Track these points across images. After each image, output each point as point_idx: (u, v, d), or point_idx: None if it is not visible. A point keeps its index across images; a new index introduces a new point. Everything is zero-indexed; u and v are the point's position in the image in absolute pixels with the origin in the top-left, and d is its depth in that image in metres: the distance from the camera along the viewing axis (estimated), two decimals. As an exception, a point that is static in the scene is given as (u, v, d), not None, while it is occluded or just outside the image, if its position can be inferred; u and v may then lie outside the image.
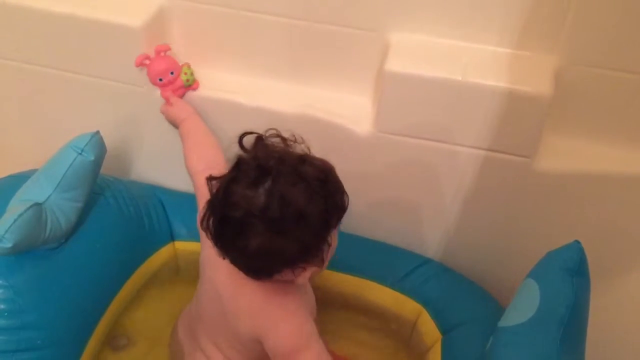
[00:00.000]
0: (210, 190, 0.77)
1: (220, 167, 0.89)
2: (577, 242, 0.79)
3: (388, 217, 1.09)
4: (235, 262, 0.78)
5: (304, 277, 0.78)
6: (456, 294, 1.01)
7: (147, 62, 1.00)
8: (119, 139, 1.10)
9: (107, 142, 0.94)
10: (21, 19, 1.02)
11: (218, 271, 0.84)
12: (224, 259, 0.78)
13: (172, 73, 1.01)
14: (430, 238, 1.09)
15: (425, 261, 1.06)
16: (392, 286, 1.02)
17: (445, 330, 0.96)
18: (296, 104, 1.01)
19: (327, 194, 0.74)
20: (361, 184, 1.05)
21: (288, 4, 0.96)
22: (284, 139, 0.79)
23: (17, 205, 0.84)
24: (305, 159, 0.76)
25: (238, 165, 0.75)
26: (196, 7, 1.01)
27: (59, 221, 0.87)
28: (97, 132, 0.92)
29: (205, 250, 0.86)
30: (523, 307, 0.78)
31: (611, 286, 1.02)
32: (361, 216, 1.09)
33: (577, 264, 0.77)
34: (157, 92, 1.04)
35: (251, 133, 0.79)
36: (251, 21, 1.00)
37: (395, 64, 0.92)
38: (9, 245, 0.79)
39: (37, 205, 0.84)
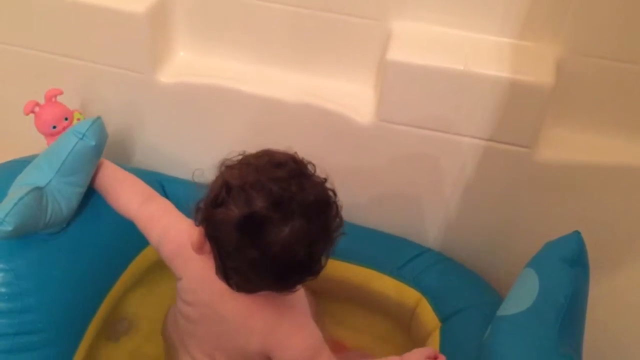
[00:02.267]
0: (222, 263, 0.73)
1: (154, 195, 0.90)
2: (577, 232, 0.79)
3: (388, 206, 1.09)
4: (264, 288, 0.75)
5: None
6: (455, 283, 1.01)
7: (37, 109, 0.96)
8: (121, 125, 1.11)
9: (109, 128, 0.94)
10: (24, 5, 1.02)
11: (216, 294, 0.80)
12: (251, 292, 0.76)
13: (65, 119, 0.98)
14: (430, 227, 1.09)
15: (425, 250, 1.06)
16: (392, 274, 1.03)
17: (444, 318, 0.97)
18: (298, 92, 1.01)
19: (333, 201, 0.74)
20: (362, 173, 1.06)
21: (291, -8, 0.96)
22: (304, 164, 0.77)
23: (18, 189, 0.84)
24: (318, 184, 0.74)
25: (251, 221, 0.69)
26: (199, -6, 1.01)
27: (59, 205, 0.87)
28: (98, 118, 0.92)
29: (195, 271, 0.81)
30: (522, 296, 0.78)
31: (611, 276, 1.02)
32: (361, 205, 1.09)
33: (577, 254, 0.78)
34: (160, 78, 1.04)
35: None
36: (254, 9, 1.00)
37: (397, 53, 0.92)
38: (10, 228, 0.79)
39: (38, 189, 0.84)
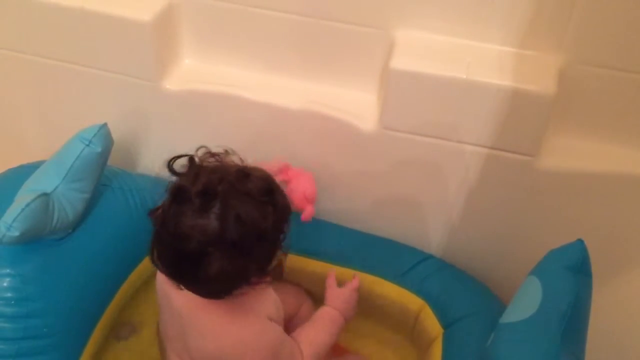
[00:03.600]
0: (154, 224, 0.74)
1: None
2: (581, 240, 0.79)
3: (391, 213, 1.09)
4: (195, 290, 0.76)
5: (261, 286, 0.77)
6: (458, 290, 1.01)
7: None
8: (127, 131, 1.11)
9: (115, 134, 0.95)
10: (31, 12, 1.03)
11: (174, 289, 0.81)
12: (180, 289, 0.76)
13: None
14: (433, 234, 1.09)
15: (428, 257, 1.07)
16: (395, 281, 1.03)
17: (447, 324, 0.97)
18: (301, 100, 1.02)
19: (275, 202, 0.74)
20: (365, 180, 1.06)
21: (295, 1, 0.97)
22: (214, 155, 0.77)
23: (25, 195, 0.85)
24: (245, 173, 0.74)
25: (177, 195, 0.71)
26: (204, 3, 1.01)
27: (66, 211, 0.87)
28: (105, 124, 0.93)
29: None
30: (525, 304, 0.78)
31: (614, 285, 1.02)
32: (364, 212, 1.09)
33: (580, 262, 0.78)
34: (165, 86, 1.05)
35: (181, 156, 0.76)
36: (258, 17, 1.00)
37: (400, 62, 0.92)
38: (17, 234, 0.80)
39: (45, 195, 0.85)
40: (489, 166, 0.97)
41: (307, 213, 0.93)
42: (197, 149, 0.77)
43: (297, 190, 0.92)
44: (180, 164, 0.76)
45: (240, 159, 0.78)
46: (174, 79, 1.06)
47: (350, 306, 0.94)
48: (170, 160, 0.76)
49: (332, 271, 1.00)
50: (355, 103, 1.02)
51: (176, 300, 0.82)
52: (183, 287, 0.76)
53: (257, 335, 0.81)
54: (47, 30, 1.05)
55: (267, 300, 0.85)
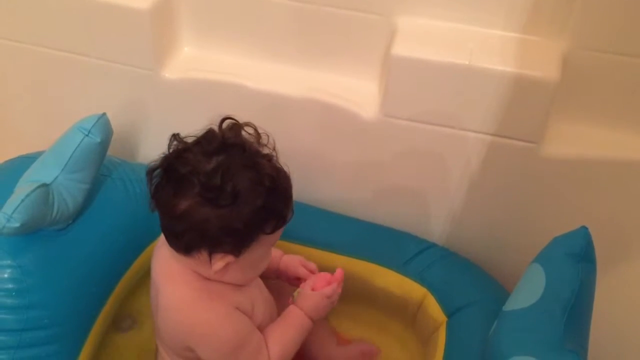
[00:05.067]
0: (169, 146, 0.78)
1: None
2: (584, 227, 0.79)
3: (393, 202, 1.09)
4: (162, 219, 0.79)
5: (219, 266, 0.77)
6: (461, 278, 1.01)
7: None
8: (126, 121, 1.11)
9: (115, 124, 0.95)
10: (28, 1, 1.03)
11: (157, 261, 0.85)
12: (152, 211, 0.79)
13: None
14: (436, 222, 1.09)
15: (430, 245, 1.06)
16: (398, 270, 1.03)
17: (450, 313, 0.97)
18: (302, 88, 1.01)
19: (272, 192, 0.75)
20: (367, 168, 1.06)
21: (295, -13, 0.96)
22: (257, 136, 0.80)
23: (24, 186, 0.84)
24: (267, 157, 0.78)
25: (205, 134, 0.78)
26: (203, -10, 1.01)
27: (66, 202, 0.87)
28: (104, 114, 0.92)
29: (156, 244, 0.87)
30: (528, 291, 0.78)
31: (618, 272, 1.02)
32: (366, 200, 1.09)
33: (584, 250, 0.77)
34: (165, 74, 1.04)
35: (232, 119, 0.80)
36: (258, 4, 0.99)
37: (401, 48, 0.92)
38: (17, 225, 0.80)
39: (45, 185, 0.84)
40: (491, 153, 0.97)
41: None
42: (245, 123, 0.80)
43: (307, 285, 0.91)
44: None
45: (275, 152, 0.80)
46: (174, 67, 1.05)
47: (321, 312, 0.90)
48: (224, 118, 0.80)
49: (312, 267, 0.96)
50: (356, 90, 1.02)
51: (155, 271, 0.85)
52: (155, 210, 0.79)
53: (220, 320, 0.81)
54: (45, 19, 1.04)
55: (242, 294, 0.85)
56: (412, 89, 0.94)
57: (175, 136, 0.79)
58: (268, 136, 0.80)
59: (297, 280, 0.94)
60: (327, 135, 1.04)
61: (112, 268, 0.96)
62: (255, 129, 0.80)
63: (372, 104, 0.99)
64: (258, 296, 0.88)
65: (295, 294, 0.91)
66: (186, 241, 0.77)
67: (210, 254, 0.76)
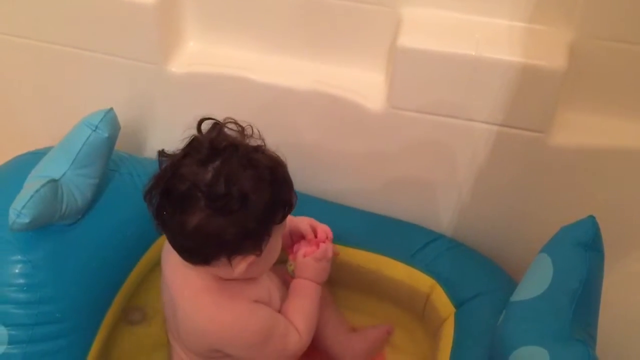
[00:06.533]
0: (160, 164, 0.77)
1: None
2: (592, 217, 0.79)
3: (400, 193, 1.09)
4: (172, 240, 0.77)
5: (242, 268, 0.77)
6: (469, 269, 1.01)
7: None
8: (133, 116, 1.11)
9: (121, 119, 0.95)
10: (33, -3, 1.03)
11: (168, 267, 0.84)
12: (161, 234, 0.77)
13: None
14: (443, 213, 1.09)
15: (438, 236, 1.06)
16: (406, 261, 1.03)
17: (459, 304, 0.97)
18: (308, 80, 1.01)
19: (275, 183, 0.75)
20: (374, 160, 1.06)
21: (300, -21, 0.96)
22: (241, 129, 0.78)
23: (33, 182, 0.85)
24: (259, 149, 0.76)
25: (191, 144, 0.75)
26: (208, -16, 1.01)
27: (74, 197, 0.88)
28: (111, 109, 0.93)
29: (163, 249, 0.87)
30: (536, 281, 0.78)
31: (626, 261, 1.01)
32: (373, 192, 1.09)
33: (592, 239, 0.77)
34: (170, 69, 1.04)
35: (210, 119, 0.78)
36: (263, -3, 0.99)
37: (407, 40, 0.91)
38: (27, 220, 0.80)
39: (53, 181, 0.85)
40: (499, 143, 0.96)
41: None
42: (225, 119, 0.79)
43: (299, 255, 0.92)
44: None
45: (263, 141, 0.79)
46: (179, 61, 1.05)
47: (323, 274, 0.92)
48: (201, 120, 0.78)
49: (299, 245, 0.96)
50: (362, 82, 1.01)
51: (168, 278, 0.84)
52: (164, 232, 0.77)
53: (245, 317, 0.81)
54: (50, 15, 1.04)
55: (258, 285, 0.85)
56: (419, 80, 0.94)
57: (161, 153, 0.77)
58: (251, 127, 0.79)
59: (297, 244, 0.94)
60: (334, 127, 1.04)
61: (121, 262, 0.96)
62: (236, 122, 0.79)
63: (379, 96, 0.99)
64: (270, 284, 0.89)
65: (290, 267, 0.93)
66: (204, 254, 0.76)
67: (230, 259, 0.76)
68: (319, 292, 0.91)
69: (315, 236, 0.93)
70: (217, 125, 0.77)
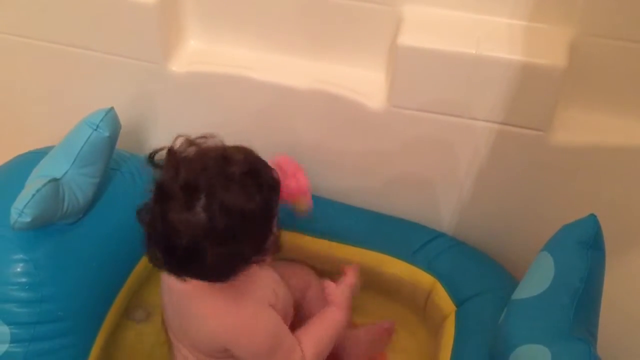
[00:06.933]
0: (141, 223, 0.74)
1: None
2: (593, 215, 0.79)
3: (401, 192, 1.09)
4: (198, 279, 0.76)
5: (260, 266, 0.78)
6: (470, 267, 1.01)
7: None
8: (134, 115, 1.11)
9: (122, 118, 0.95)
10: (35, -3, 1.03)
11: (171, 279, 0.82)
12: (184, 281, 0.76)
13: None
14: (444, 212, 1.09)
15: (439, 235, 1.06)
16: (407, 259, 1.03)
17: (460, 302, 0.97)
18: (309, 79, 1.01)
19: (260, 182, 0.74)
20: (375, 159, 1.06)
21: (301, -22, 0.96)
22: (193, 143, 0.75)
23: (35, 181, 0.85)
24: (225, 157, 0.73)
25: (160, 192, 0.72)
26: (209, -17, 1.01)
27: (76, 196, 0.88)
28: (112, 108, 0.93)
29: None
30: (537, 279, 0.78)
31: (627, 259, 1.01)
32: (375, 191, 1.09)
33: (593, 238, 0.77)
34: (171, 68, 1.04)
35: (160, 150, 0.75)
36: (263, -4, 0.99)
37: (408, 38, 0.91)
38: (28, 219, 0.80)
39: (55, 180, 0.85)
40: (499, 142, 0.96)
41: (305, 205, 0.92)
42: (175, 139, 0.76)
43: (290, 186, 0.90)
44: (162, 157, 0.75)
45: (221, 141, 0.77)
46: (180, 60, 1.05)
47: (349, 304, 0.92)
48: (150, 154, 0.75)
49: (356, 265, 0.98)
50: (363, 81, 1.01)
51: (170, 279, 0.83)
52: (187, 279, 0.76)
53: (249, 319, 0.82)
54: (52, 14, 1.04)
55: (264, 286, 0.86)
56: (419, 79, 0.94)
57: (151, 160, 0.74)
58: (205, 135, 0.76)
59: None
60: (335, 126, 1.04)
61: (123, 260, 0.97)
62: (186, 138, 0.75)
63: (379, 95, 0.99)
64: (272, 282, 0.89)
65: (299, 207, 0.91)
66: (229, 272, 0.76)
67: (250, 264, 0.77)
68: (340, 321, 0.90)
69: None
70: (170, 153, 0.73)
